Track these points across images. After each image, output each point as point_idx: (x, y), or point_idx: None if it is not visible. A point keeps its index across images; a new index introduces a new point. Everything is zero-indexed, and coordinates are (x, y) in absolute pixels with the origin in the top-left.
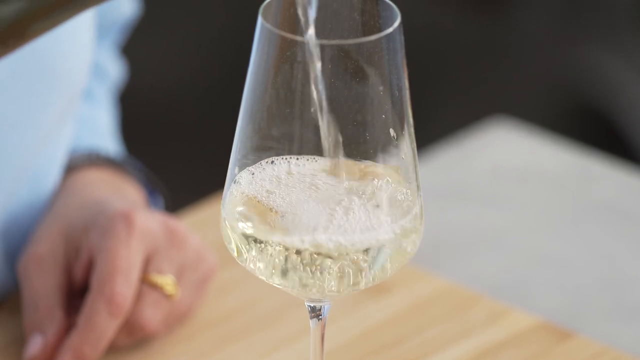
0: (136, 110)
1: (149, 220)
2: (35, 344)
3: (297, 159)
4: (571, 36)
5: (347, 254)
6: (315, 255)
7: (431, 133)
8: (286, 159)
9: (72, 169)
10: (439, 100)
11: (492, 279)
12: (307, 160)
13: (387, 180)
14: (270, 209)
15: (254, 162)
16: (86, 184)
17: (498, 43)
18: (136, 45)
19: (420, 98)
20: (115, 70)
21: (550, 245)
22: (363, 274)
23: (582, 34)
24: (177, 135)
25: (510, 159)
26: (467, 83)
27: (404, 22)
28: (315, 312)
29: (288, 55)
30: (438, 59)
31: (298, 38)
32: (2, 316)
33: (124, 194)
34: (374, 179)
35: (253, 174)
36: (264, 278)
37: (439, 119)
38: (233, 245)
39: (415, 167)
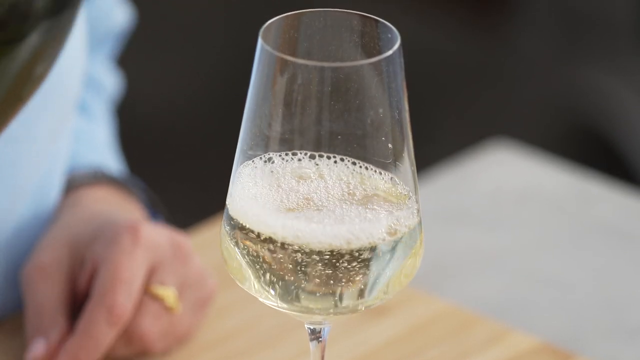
0: (137, 130)
1: (155, 233)
2: (38, 347)
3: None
4: (570, 58)
5: (346, 279)
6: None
7: (431, 155)
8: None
9: (75, 187)
10: (438, 121)
11: (493, 300)
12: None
13: (386, 200)
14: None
15: None
16: (91, 200)
17: (497, 65)
18: (137, 67)
19: (420, 120)
20: (111, 82)
21: (550, 267)
22: (362, 296)
23: (581, 55)
24: (177, 156)
25: (510, 180)
26: (466, 105)
27: (403, 44)
28: (315, 334)
29: (288, 77)
30: (438, 80)
31: (298, 60)
32: (1, 337)
33: (128, 211)
34: (372, 200)
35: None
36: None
37: (439, 141)
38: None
39: (416, 189)
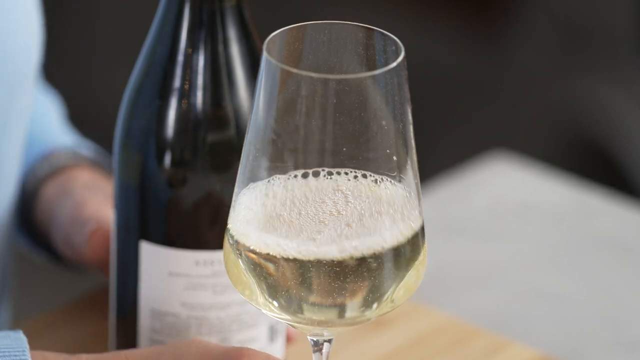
0: None
1: None
2: None
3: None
4: (570, 70)
5: (349, 291)
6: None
7: (431, 167)
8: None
9: (60, 168)
10: (438, 134)
11: (492, 313)
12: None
13: (389, 212)
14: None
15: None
16: (84, 187)
17: (497, 77)
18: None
19: (420, 132)
20: (51, 101)
21: (550, 280)
22: (366, 308)
23: (581, 68)
24: None
25: (510, 193)
26: (466, 117)
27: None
28: (318, 347)
29: (292, 89)
30: (437, 93)
31: (303, 72)
32: None
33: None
34: (379, 213)
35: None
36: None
37: (439, 153)
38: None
39: (420, 201)
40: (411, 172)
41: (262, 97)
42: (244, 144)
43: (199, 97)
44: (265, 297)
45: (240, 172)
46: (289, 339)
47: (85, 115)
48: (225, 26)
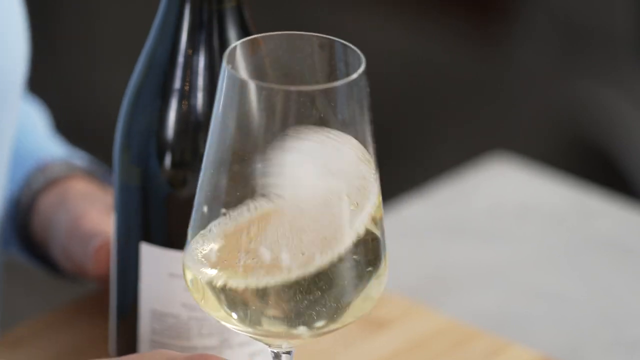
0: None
1: None
2: None
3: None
4: (570, 71)
5: (308, 300)
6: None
7: (430, 168)
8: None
9: (54, 179)
10: (437, 135)
11: (492, 313)
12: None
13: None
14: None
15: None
16: (81, 198)
17: (497, 78)
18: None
19: (419, 134)
20: (37, 112)
21: (550, 281)
22: (324, 319)
23: (580, 68)
24: None
25: (509, 194)
26: (465, 118)
27: (403, 56)
28: (279, 358)
29: (252, 100)
30: (436, 94)
31: (263, 84)
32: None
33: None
34: (338, 219)
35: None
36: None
37: (438, 155)
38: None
39: (380, 210)
40: (374, 182)
41: (222, 108)
42: (204, 157)
43: (200, 98)
44: (224, 310)
45: (200, 185)
46: None
47: (86, 116)
48: (225, 27)
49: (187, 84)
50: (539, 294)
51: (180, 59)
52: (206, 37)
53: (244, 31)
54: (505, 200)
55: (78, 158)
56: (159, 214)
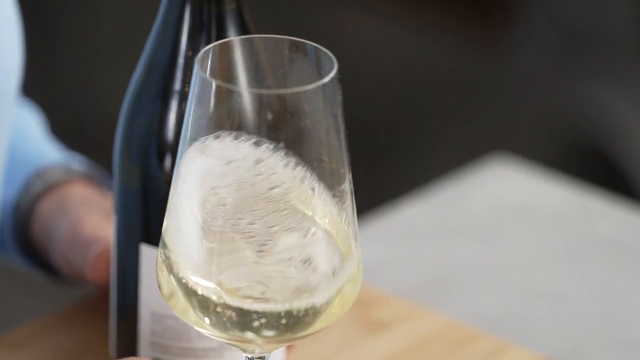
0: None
1: None
2: None
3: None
4: (570, 72)
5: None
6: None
7: (430, 169)
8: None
9: (53, 184)
10: (438, 136)
11: (492, 315)
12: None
13: (325, 230)
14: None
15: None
16: (80, 203)
17: (497, 80)
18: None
19: (419, 135)
20: (33, 116)
21: (550, 282)
22: (297, 324)
23: (581, 70)
24: None
25: (510, 195)
26: (465, 120)
27: (404, 57)
28: None
29: (224, 103)
30: (437, 95)
31: (234, 87)
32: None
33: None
34: (310, 229)
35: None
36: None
37: (438, 156)
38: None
39: (354, 215)
40: (347, 186)
41: (193, 112)
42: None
43: None
44: (197, 314)
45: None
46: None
47: (86, 117)
48: (226, 29)
49: (188, 85)
50: (539, 295)
51: (181, 61)
52: (206, 39)
53: (244, 33)
54: (505, 200)
55: (76, 162)
56: (159, 215)
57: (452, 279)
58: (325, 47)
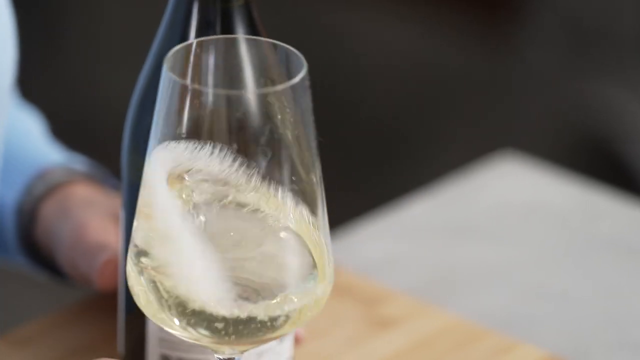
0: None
1: None
2: None
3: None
4: (578, 71)
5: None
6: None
7: (437, 167)
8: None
9: (56, 185)
10: (445, 134)
11: (498, 313)
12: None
13: (296, 236)
14: None
15: None
16: (83, 205)
17: (505, 78)
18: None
19: (427, 133)
20: (32, 118)
21: (556, 280)
22: (269, 326)
23: (589, 68)
24: None
25: (517, 193)
26: (473, 117)
27: (412, 56)
28: None
29: (194, 104)
30: (445, 94)
31: (202, 88)
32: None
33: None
34: (280, 232)
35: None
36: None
37: (445, 154)
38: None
39: (324, 214)
40: (318, 187)
41: (162, 113)
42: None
43: None
44: (165, 314)
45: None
46: (297, 340)
47: (94, 116)
48: (233, 26)
49: None
50: (545, 294)
51: None
52: (214, 35)
53: (252, 30)
54: (512, 199)
55: (78, 162)
56: None
57: (457, 277)
58: (333, 46)
